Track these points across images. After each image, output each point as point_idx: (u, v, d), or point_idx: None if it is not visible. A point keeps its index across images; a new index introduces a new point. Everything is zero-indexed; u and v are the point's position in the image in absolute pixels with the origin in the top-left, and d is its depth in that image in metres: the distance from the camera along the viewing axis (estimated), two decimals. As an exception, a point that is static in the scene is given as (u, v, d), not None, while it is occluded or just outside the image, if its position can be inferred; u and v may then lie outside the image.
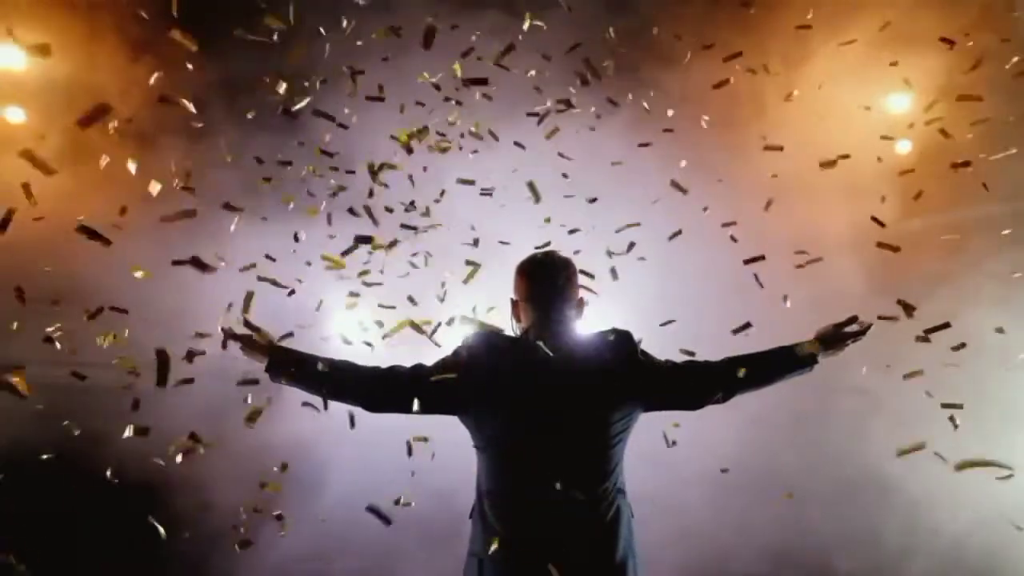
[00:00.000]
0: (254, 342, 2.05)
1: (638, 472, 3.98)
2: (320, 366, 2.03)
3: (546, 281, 2.15)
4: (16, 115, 5.10)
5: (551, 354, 1.99)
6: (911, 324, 3.32)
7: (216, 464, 3.37)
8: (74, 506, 3.10)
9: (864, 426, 3.18)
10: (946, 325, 2.60)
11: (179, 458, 2.24)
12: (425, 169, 3.96)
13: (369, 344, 3.55)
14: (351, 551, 3.32)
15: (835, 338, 2.20)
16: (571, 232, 3.70)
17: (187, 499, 3.45)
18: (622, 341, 2.10)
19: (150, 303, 3.91)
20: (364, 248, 3.65)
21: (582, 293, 2.25)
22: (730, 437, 3.71)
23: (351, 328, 3.90)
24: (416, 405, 2.03)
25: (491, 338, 2.08)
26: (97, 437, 3.44)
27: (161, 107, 4.29)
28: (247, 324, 2.07)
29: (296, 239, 3.73)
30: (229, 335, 2.04)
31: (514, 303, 2.22)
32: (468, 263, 2.94)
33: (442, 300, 3.86)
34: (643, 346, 2.19)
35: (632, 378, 2.04)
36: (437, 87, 3.86)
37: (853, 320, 2.22)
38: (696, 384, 2.11)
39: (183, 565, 3.21)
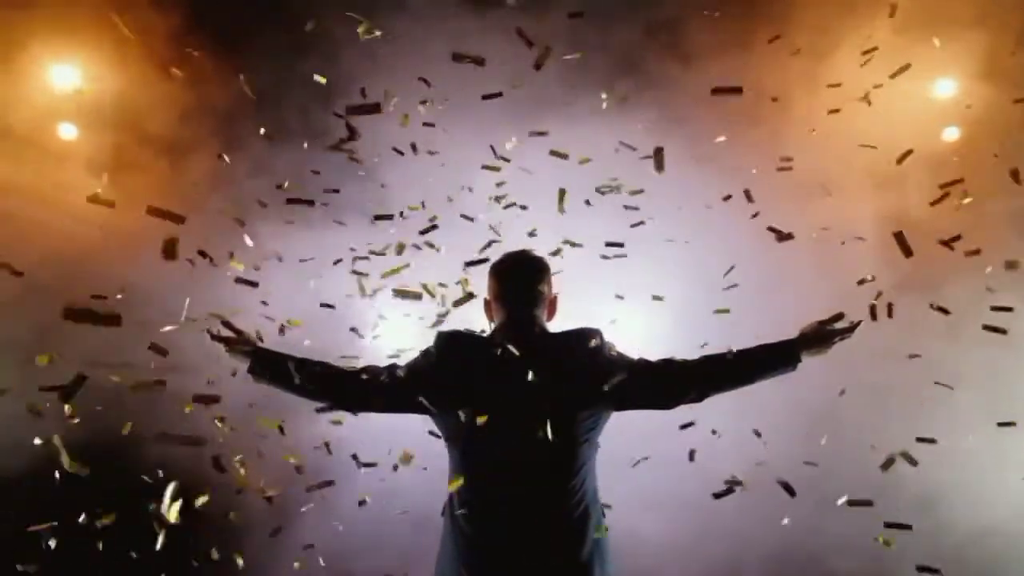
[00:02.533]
0: (237, 343, 2.13)
1: (666, 473, 4.00)
2: (298, 366, 2.10)
3: (516, 280, 2.17)
4: (69, 132, 5.38)
5: (516, 353, 1.99)
6: (927, 320, 3.25)
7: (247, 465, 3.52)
8: (110, 505, 3.28)
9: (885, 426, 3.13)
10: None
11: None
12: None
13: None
14: (375, 550, 3.40)
15: (819, 336, 2.10)
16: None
17: (219, 498, 3.61)
18: (590, 339, 2.08)
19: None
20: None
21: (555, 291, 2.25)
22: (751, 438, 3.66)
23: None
24: (388, 405, 2.11)
25: (461, 337, 2.11)
26: (137, 437, 3.63)
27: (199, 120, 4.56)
28: (229, 326, 2.15)
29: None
30: (215, 337, 2.14)
31: (487, 302, 2.25)
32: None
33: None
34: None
35: (599, 376, 2.02)
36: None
37: (839, 317, 2.13)
38: (667, 383, 2.07)
39: (210, 564, 3.35)
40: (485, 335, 2.19)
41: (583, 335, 2.09)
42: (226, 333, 2.14)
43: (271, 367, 2.11)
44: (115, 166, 5.03)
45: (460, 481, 2.05)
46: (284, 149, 4.08)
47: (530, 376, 1.98)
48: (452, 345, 2.09)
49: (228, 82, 3.93)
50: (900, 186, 3.77)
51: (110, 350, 4.34)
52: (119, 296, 3.85)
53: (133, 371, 4.42)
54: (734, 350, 2.12)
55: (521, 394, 1.98)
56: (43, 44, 4.53)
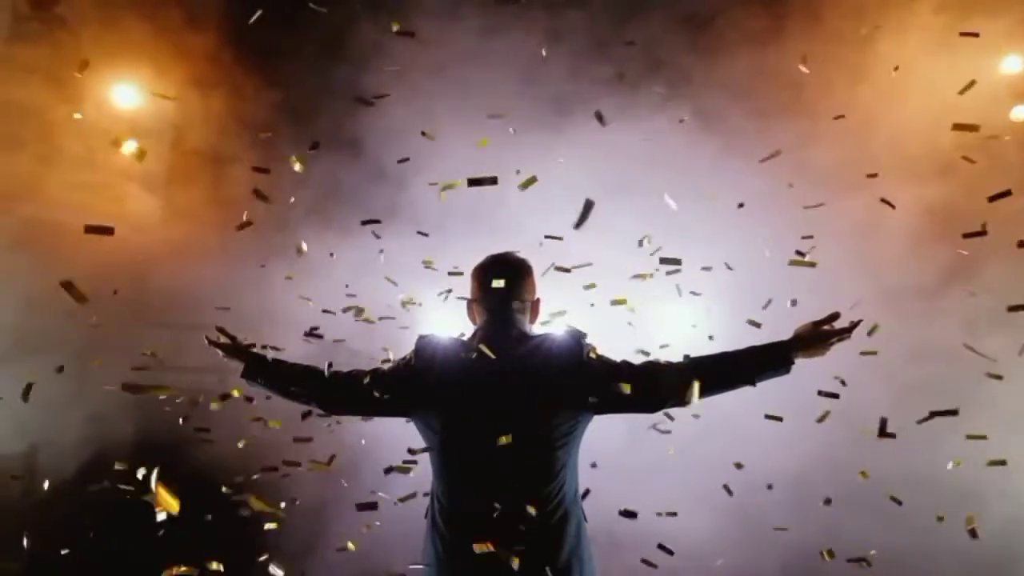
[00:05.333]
0: (233, 348, 2.22)
1: (706, 476, 3.93)
2: (286, 370, 2.18)
3: (495, 282, 2.12)
4: (126, 147, 5.68)
5: (492, 356, 1.97)
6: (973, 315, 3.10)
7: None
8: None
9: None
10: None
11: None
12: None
13: None
14: (405, 552, 3.47)
15: (815, 337, 1.99)
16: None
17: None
18: (569, 342, 2.04)
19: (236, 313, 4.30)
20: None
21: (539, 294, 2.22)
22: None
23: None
24: (369, 408, 2.13)
25: (441, 341, 2.10)
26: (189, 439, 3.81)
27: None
28: (224, 333, 2.24)
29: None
30: (212, 343, 2.24)
31: (469, 304, 2.23)
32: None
33: None
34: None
35: (577, 380, 1.98)
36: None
37: (834, 317, 2.02)
38: (650, 387, 1.98)
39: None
40: (464, 339, 2.15)
41: (562, 338, 2.06)
42: (223, 340, 2.23)
43: (262, 371, 2.19)
44: (167, 179, 5.32)
45: (439, 485, 2.04)
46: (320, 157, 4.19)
47: (504, 380, 1.96)
48: (430, 349, 2.09)
49: (266, 97, 4.09)
50: (947, 175, 3.59)
51: (165, 354, 4.58)
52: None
53: (185, 374, 4.68)
54: (722, 352, 2.03)
55: (496, 398, 1.96)
56: (98, 66, 4.80)
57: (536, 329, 2.23)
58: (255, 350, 2.26)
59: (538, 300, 2.22)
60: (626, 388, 1.95)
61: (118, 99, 5.16)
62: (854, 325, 2.01)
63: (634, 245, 4.01)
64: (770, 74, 4.00)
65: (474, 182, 2.11)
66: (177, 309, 4.55)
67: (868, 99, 3.93)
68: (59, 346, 3.92)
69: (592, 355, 2.04)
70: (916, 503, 2.88)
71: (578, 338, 2.06)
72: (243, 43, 4.23)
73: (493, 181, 2.10)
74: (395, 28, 3.22)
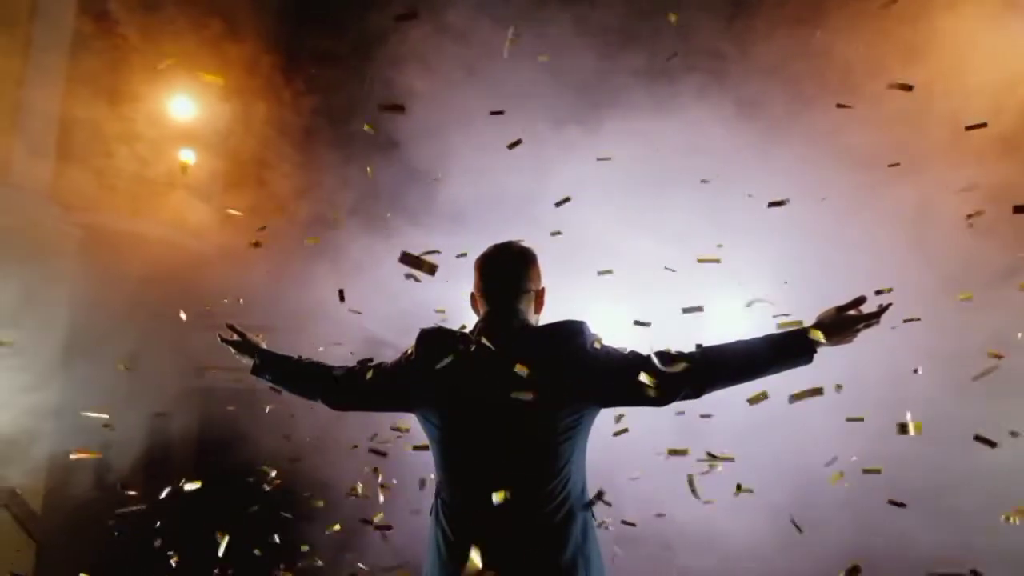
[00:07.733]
0: (244, 345, 2.26)
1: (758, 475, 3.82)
2: (294, 366, 2.21)
3: (496, 274, 2.07)
4: (188, 156, 5.92)
5: (492, 348, 1.91)
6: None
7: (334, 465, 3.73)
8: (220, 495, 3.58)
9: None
10: None
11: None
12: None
13: None
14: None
15: (839, 324, 1.83)
16: None
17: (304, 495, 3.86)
18: (572, 333, 1.94)
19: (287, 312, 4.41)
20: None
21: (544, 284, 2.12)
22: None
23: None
24: (372, 403, 2.13)
25: (442, 334, 2.04)
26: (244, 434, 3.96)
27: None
28: (234, 330, 2.27)
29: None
30: (224, 340, 2.28)
31: (473, 296, 2.15)
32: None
33: None
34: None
35: (580, 372, 1.88)
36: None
37: (860, 301, 1.84)
38: (658, 379, 1.84)
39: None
40: (465, 331, 2.05)
41: (565, 329, 1.96)
42: (234, 337, 2.28)
43: (271, 367, 2.22)
44: (224, 187, 5.52)
45: (441, 481, 1.98)
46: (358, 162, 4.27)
47: (505, 373, 1.87)
48: (431, 342, 2.01)
49: (310, 106, 4.17)
50: (1005, 156, 3.37)
51: (218, 354, 4.75)
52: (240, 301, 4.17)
53: (238, 373, 4.85)
54: (738, 341, 1.88)
55: (497, 391, 1.87)
56: (156, 79, 5.01)
57: (541, 319, 2.14)
58: (265, 346, 2.29)
59: (543, 290, 2.13)
60: (648, 380, 1.83)
61: (174, 111, 5.39)
62: (883, 309, 1.85)
63: (675, 237, 3.93)
64: (815, 56, 3.84)
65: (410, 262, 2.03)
66: (225, 310, 4.70)
67: (922, 77, 3.72)
68: (118, 346, 4.11)
69: (597, 346, 1.94)
70: (974, 502, 2.72)
71: (582, 329, 1.96)
72: (286, 51, 4.34)
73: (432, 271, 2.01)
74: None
